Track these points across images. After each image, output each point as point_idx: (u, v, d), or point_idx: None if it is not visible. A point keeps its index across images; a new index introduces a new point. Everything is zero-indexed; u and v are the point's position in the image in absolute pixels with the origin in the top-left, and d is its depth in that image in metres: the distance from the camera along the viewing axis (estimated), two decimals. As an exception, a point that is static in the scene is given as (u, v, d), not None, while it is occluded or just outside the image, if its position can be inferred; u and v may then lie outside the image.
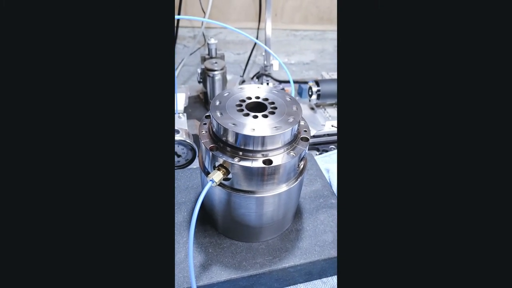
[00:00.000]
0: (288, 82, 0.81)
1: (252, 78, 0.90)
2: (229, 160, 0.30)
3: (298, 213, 0.42)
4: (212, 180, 0.30)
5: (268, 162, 0.30)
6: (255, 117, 0.31)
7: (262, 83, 0.83)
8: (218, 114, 0.31)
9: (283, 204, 0.35)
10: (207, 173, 0.34)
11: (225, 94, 0.34)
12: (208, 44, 0.70)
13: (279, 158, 0.30)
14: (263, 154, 0.30)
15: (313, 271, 0.39)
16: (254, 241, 0.38)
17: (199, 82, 0.71)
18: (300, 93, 0.84)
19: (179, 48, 1.10)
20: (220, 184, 0.32)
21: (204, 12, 0.95)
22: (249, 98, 0.34)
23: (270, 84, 0.80)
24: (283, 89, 0.81)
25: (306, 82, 0.78)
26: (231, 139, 0.30)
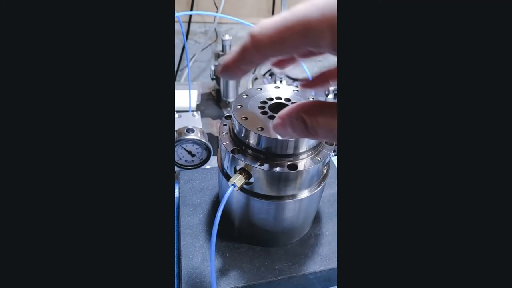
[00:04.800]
0: (301, 80, 0.79)
1: (264, 75, 0.89)
2: (252, 164, 0.29)
3: (317, 218, 0.41)
4: (234, 185, 0.29)
5: (293, 167, 0.28)
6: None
7: (275, 81, 0.81)
8: (240, 115, 0.30)
9: (304, 210, 0.34)
10: (226, 175, 0.33)
11: (245, 95, 0.33)
12: (222, 40, 0.68)
13: (304, 163, 0.29)
14: (287, 159, 0.29)
15: (332, 278, 0.38)
16: (272, 246, 0.37)
17: (213, 79, 0.70)
18: (314, 91, 0.82)
19: (190, 44, 1.09)
20: (240, 188, 0.31)
21: (217, 7, 0.93)
22: (271, 99, 0.32)
23: (284, 82, 0.78)
24: (297, 87, 0.79)
25: (321, 80, 0.76)
26: (253, 142, 0.29)
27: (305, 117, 0.20)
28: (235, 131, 0.31)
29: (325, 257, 0.37)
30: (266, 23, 0.19)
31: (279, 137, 0.25)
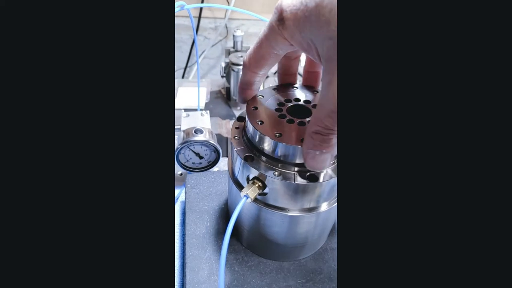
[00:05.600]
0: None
1: (275, 73, 0.86)
2: (267, 173, 0.26)
3: (333, 230, 0.38)
4: (247, 196, 0.26)
5: (314, 178, 0.25)
6: (301, 123, 0.26)
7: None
8: (255, 119, 0.27)
9: (321, 224, 0.31)
10: (237, 182, 0.30)
11: (260, 96, 0.30)
12: (234, 36, 0.65)
13: (324, 174, 0.26)
14: (306, 168, 0.26)
15: (349, 297, 0.34)
16: (285, 260, 0.34)
17: (222, 76, 0.67)
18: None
19: (199, 40, 1.06)
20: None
21: (228, 2, 0.90)
22: (288, 100, 0.29)
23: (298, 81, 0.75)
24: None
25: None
26: (268, 148, 0.26)
27: (315, 129, 0.22)
28: (249, 135, 0.28)
29: (342, 274, 0.34)
30: (249, 49, 0.26)
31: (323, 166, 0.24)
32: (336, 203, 0.29)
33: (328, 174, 0.26)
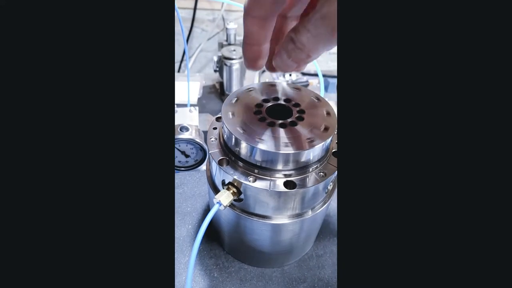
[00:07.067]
0: (313, 75, 0.73)
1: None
2: (242, 179, 0.24)
3: (320, 234, 0.36)
4: (220, 203, 0.24)
5: (292, 185, 0.23)
6: (280, 125, 0.24)
7: (284, 75, 0.75)
8: (231, 119, 0.25)
9: (305, 231, 0.29)
10: (214, 186, 0.28)
11: (240, 93, 0.28)
12: (226, 29, 0.63)
13: (305, 180, 0.24)
14: (285, 174, 0.24)
15: (335, 306, 0.33)
16: (267, 267, 0.33)
17: (215, 71, 0.65)
18: (326, 87, 0.76)
19: (196, 32, 1.03)
20: (230, 205, 0.26)
21: (225, -7, 0.87)
22: (268, 100, 0.27)
23: (293, 76, 0.72)
24: (307, 81, 0.74)
25: (335, 76, 0.70)
26: (245, 152, 0.24)
27: (290, 34, 0.21)
28: (225, 137, 0.26)
29: (327, 283, 0.32)
30: None
31: (280, 74, 0.23)
32: (321, 209, 0.28)
33: (309, 181, 0.24)
